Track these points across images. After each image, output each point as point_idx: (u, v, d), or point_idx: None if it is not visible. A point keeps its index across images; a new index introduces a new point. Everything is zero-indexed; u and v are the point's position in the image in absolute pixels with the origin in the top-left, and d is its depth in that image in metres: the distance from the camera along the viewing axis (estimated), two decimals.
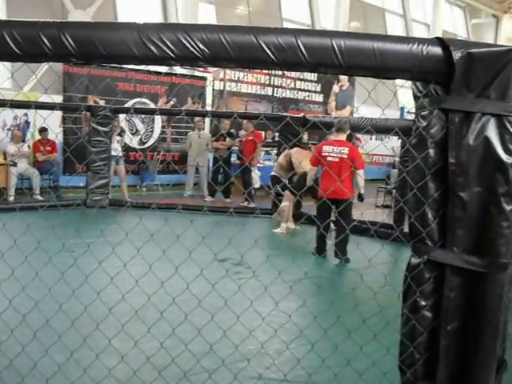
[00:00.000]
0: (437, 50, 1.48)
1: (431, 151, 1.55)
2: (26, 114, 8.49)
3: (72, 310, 2.34)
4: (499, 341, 1.61)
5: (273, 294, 2.42)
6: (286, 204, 6.14)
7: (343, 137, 5.14)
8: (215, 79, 11.00)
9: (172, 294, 2.14)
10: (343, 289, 2.92)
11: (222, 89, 11.25)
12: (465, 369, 1.60)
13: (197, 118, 9.63)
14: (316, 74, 10.98)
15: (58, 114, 8.44)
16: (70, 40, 1.45)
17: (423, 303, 1.61)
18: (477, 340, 1.58)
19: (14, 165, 7.73)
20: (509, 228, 1.53)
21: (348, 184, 5.00)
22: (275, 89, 12.15)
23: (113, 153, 7.78)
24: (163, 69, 9.42)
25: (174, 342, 2.27)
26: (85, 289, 2.23)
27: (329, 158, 5.06)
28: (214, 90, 11.11)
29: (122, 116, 8.57)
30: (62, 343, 2.18)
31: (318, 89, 12.86)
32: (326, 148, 5.17)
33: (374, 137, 11.85)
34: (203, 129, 9.51)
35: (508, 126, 1.50)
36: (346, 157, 4.96)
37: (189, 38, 1.46)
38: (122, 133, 8.21)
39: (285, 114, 9.12)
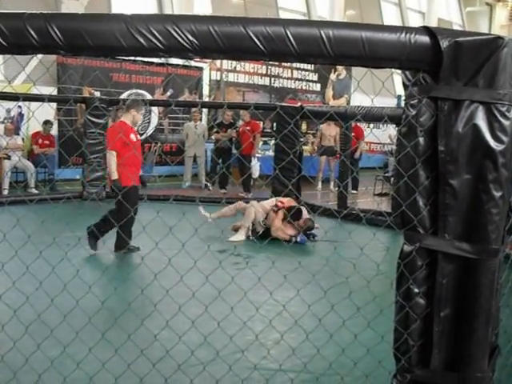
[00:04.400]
0: (424, 39, 1.48)
1: (421, 139, 1.55)
2: (19, 106, 8.42)
3: (64, 304, 2.33)
4: (492, 326, 1.62)
5: (267, 283, 2.42)
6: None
7: (125, 116, 4.74)
8: (212, 69, 10.91)
9: (166, 285, 2.14)
10: (337, 277, 2.93)
11: (218, 79, 11.17)
12: (458, 354, 1.61)
13: (193, 109, 9.56)
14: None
15: (53, 106, 8.37)
16: (57, 31, 1.43)
17: (416, 290, 1.61)
18: (469, 326, 1.58)
19: (8, 158, 7.68)
20: (499, 214, 1.53)
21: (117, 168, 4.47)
22: (272, 78, 12.07)
23: None
24: (159, 59, 9.32)
25: (169, 333, 2.28)
26: (76, 282, 2.22)
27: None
28: (210, 80, 11.03)
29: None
30: (54, 338, 2.16)
31: (315, 78, 12.78)
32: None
33: (371, 125, 11.80)
34: (200, 119, 9.44)
35: (496, 113, 1.49)
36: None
37: (177, 29, 1.45)
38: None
39: (278, 103, 9.07)
